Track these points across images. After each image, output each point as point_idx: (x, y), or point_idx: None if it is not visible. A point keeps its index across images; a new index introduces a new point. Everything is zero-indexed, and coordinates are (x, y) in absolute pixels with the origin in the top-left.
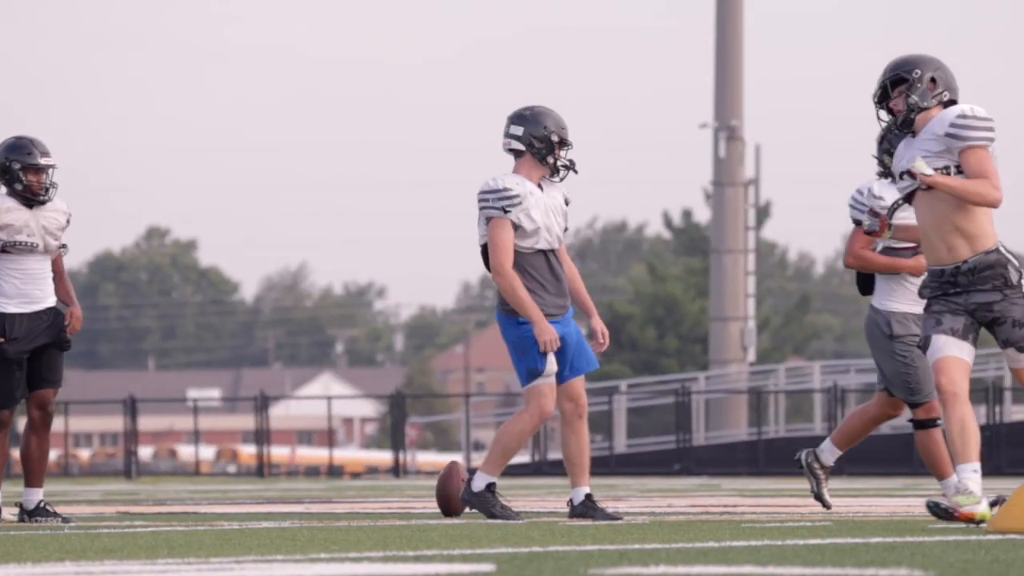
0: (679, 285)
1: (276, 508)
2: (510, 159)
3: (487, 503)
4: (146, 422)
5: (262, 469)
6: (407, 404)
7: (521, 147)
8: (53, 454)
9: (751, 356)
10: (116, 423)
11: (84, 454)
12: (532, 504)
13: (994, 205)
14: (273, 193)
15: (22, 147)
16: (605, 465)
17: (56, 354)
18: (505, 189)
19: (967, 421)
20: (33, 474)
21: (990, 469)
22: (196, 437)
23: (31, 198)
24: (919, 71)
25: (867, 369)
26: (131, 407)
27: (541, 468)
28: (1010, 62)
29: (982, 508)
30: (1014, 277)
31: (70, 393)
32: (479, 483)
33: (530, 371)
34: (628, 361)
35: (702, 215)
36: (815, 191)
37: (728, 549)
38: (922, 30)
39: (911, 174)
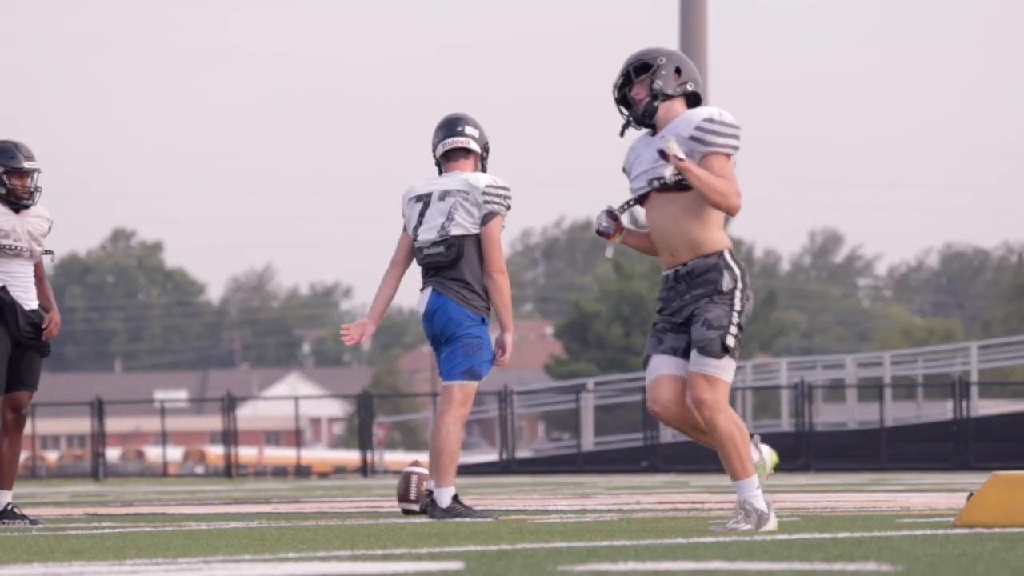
0: (645, 283)
1: (244, 508)
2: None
3: (460, 515)
4: (113, 424)
5: (230, 470)
6: (374, 404)
7: (478, 148)
8: (21, 456)
9: None
10: (83, 425)
11: (51, 456)
12: (500, 502)
13: (732, 211)
14: (239, 194)
15: (6, 151)
16: (572, 463)
17: (36, 358)
18: (508, 187)
19: (705, 436)
20: (3, 476)
21: (958, 464)
22: (163, 438)
23: (15, 202)
24: (663, 59)
25: (833, 365)
26: (98, 409)
27: (509, 467)
28: (991, 59)
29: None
30: (726, 284)
31: (37, 395)
32: (445, 499)
33: (472, 371)
34: (595, 359)
35: None
36: (780, 188)
37: (696, 545)
38: (888, 28)
39: (663, 154)
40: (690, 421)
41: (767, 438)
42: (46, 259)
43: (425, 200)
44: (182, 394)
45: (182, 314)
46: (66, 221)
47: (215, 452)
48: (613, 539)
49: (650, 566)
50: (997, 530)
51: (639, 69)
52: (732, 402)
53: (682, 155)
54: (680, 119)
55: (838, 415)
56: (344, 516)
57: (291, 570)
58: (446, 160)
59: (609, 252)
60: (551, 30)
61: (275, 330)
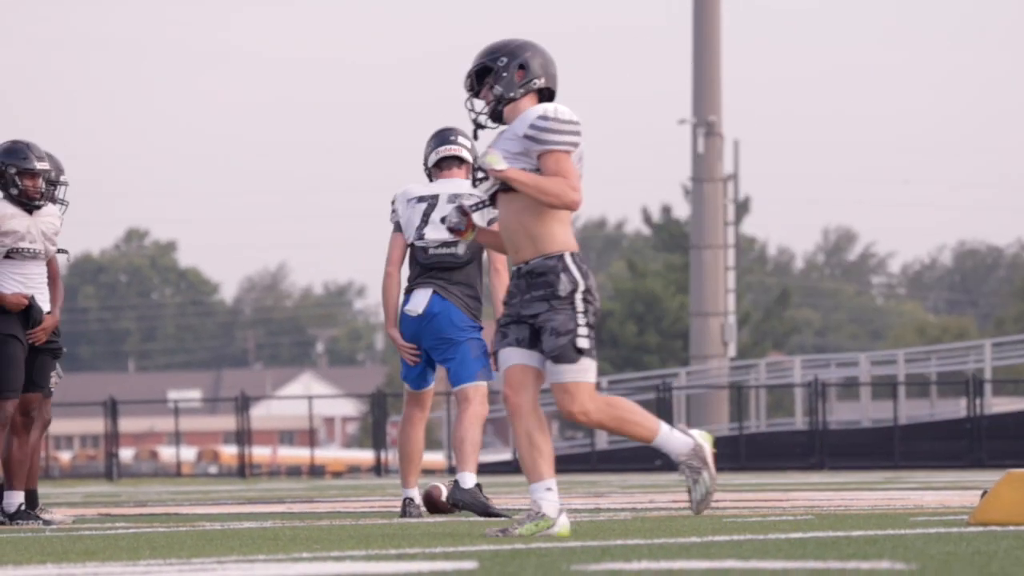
0: (659, 281)
1: (258, 508)
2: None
3: (480, 499)
4: (127, 424)
5: (243, 469)
6: (388, 403)
7: (470, 157)
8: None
9: (732, 351)
10: (97, 425)
11: (65, 456)
12: (514, 501)
13: (571, 207)
14: (252, 194)
15: (17, 151)
16: (586, 462)
17: (48, 360)
18: None
19: (534, 436)
20: (15, 477)
21: (971, 462)
22: (177, 438)
23: (27, 203)
24: (504, 59)
25: (847, 363)
26: (112, 409)
27: None
28: (1005, 57)
29: (558, 528)
30: (563, 289)
31: None
32: (469, 482)
33: (485, 372)
34: (609, 357)
35: (682, 211)
36: (794, 185)
37: (710, 544)
38: (901, 26)
39: (482, 169)
40: (536, 412)
41: (781, 437)
42: (61, 258)
43: (430, 201)
44: (196, 394)
45: (196, 314)
46: (79, 221)
47: (229, 452)
48: (627, 538)
49: (664, 565)
50: (1011, 528)
51: (481, 73)
52: (746, 400)
53: (501, 166)
54: (518, 119)
55: (852, 413)
56: (358, 516)
57: (305, 570)
58: (439, 169)
59: (461, 248)
60: (566, 30)
61: (289, 329)
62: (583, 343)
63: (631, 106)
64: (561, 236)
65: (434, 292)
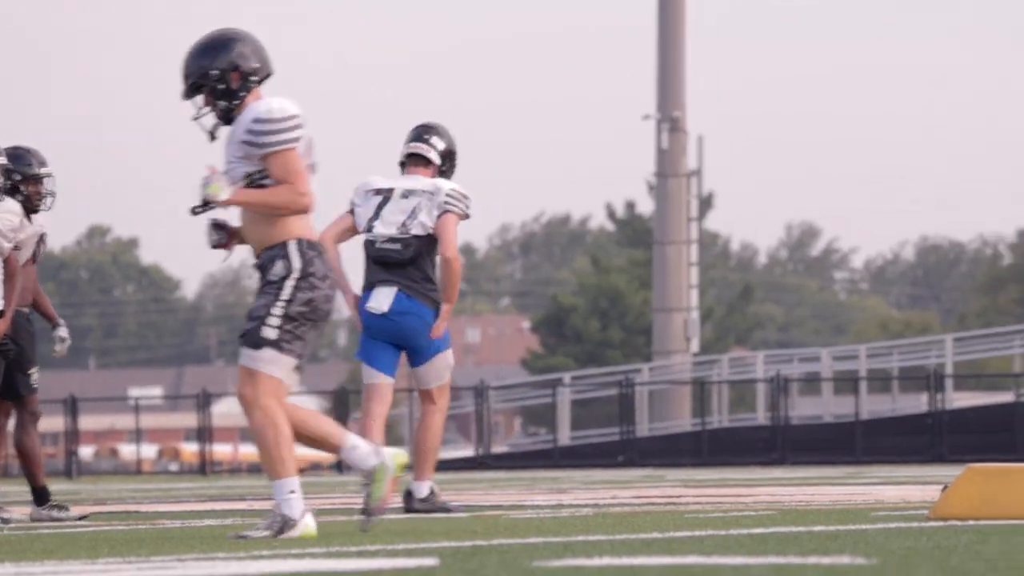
0: (623, 277)
1: (219, 506)
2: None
3: (438, 506)
4: (87, 421)
5: (204, 467)
6: (351, 400)
7: (437, 160)
8: None
9: (694, 347)
10: (57, 423)
11: None
12: (475, 498)
13: (304, 211)
14: None
15: (19, 157)
16: (549, 457)
17: None
18: (470, 197)
19: (307, 421)
20: None
21: (932, 456)
22: (138, 436)
23: (29, 209)
24: (216, 71)
25: (810, 358)
26: (72, 406)
27: (485, 462)
28: (967, 53)
29: (392, 470)
30: (275, 274)
31: None
32: (424, 491)
33: (449, 364)
34: (572, 353)
35: (645, 207)
36: (757, 181)
37: (672, 540)
38: (864, 25)
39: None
40: (297, 428)
41: (743, 432)
42: (23, 255)
43: (385, 195)
44: (157, 391)
45: (157, 311)
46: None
47: (190, 449)
48: (589, 534)
49: (626, 561)
50: (971, 522)
51: (196, 88)
52: (708, 396)
53: (224, 196)
54: (238, 121)
55: (814, 408)
56: (319, 513)
57: (265, 568)
58: (407, 163)
59: (228, 259)
60: (533, 29)
61: None
62: (269, 333)
63: (595, 102)
64: (286, 225)
65: (399, 290)
